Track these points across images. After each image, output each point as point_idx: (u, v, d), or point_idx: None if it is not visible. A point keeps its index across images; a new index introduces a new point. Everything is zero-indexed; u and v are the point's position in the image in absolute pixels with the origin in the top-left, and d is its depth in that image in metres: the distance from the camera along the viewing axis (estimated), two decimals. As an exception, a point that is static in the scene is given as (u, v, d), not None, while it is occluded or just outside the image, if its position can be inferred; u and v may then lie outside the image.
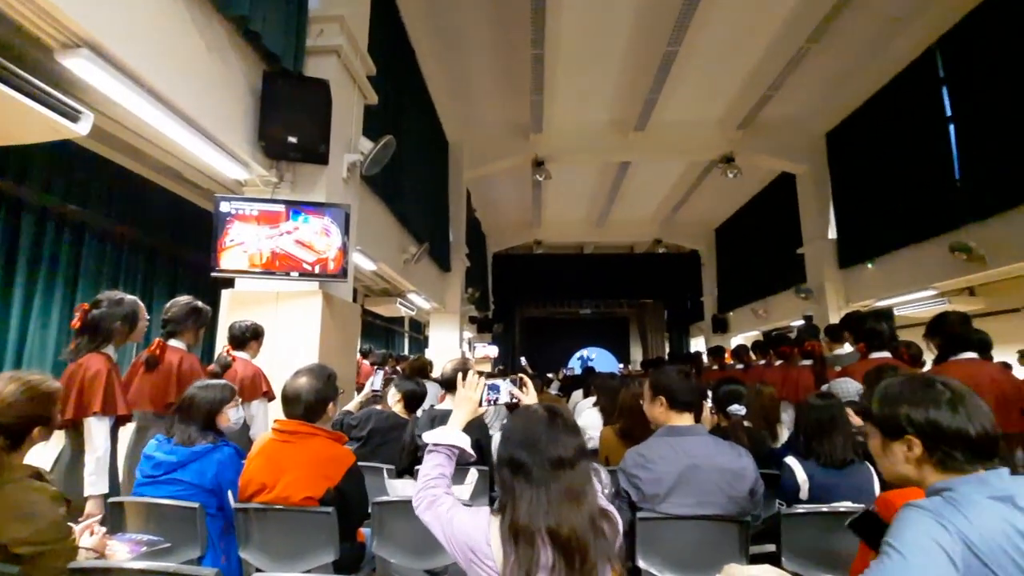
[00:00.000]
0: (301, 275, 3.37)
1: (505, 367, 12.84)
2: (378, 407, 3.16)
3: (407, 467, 2.72)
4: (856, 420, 2.38)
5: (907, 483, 1.07)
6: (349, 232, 3.52)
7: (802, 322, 8.65)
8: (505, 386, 1.72)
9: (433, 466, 1.42)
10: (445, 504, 1.31)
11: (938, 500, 0.95)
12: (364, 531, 2.18)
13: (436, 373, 5.48)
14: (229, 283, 3.62)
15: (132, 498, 1.97)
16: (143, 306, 2.49)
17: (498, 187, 10.99)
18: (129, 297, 2.43)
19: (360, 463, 2.06)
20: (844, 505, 1.97)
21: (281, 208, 3.35)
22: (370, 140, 4.07)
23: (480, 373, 1.71)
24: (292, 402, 1.97)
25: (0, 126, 2.25)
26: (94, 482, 2.10)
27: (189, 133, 2.85)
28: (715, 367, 7.18)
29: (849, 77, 7.16)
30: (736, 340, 11.16)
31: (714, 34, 6.24)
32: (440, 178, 8.40)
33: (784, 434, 3.09)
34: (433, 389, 4.32)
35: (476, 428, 2.55)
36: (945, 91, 6.07)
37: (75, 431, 2.18)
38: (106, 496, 2.11)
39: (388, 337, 10.99)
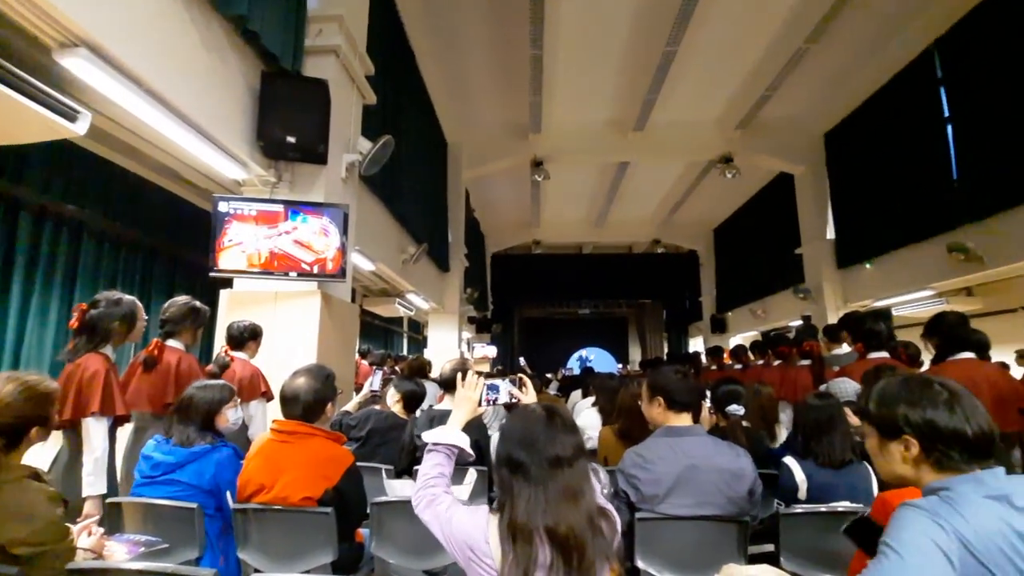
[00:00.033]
0: (299, 275, 3.37)
1: (504, 367, 12.84)
2: (377, 407, 3.16)
3: (406, 467, 2.72)
4: (854, 420, 2.38)
5: (904, 483, 1.07)
6: (348, 232, 3.51)
7: (800, 322, 8.67)
8: (504, 386, 1.73)
9: (432, 465, 1.42)
10: (444, 503, 1.31)
11: (934, 499, 0.96)
12: (363, 531, 2.18)
13: (435, 373, 5.47)
14: (227, 283, 3.61)
15: (130, 498, 1.97)
16: (141, 306, 2.49)
17: (497, 187, 10.99)
18: (127, 297, 2.42)
19: (359, 463, 2.06)
20: (842, 505, 1.97)
21: (279, 208, 3.35)
22: (369, 140, 4.06)
23: (479, 373, 1.71)
24: (290, 402, 1.97)
25: (-2, 126, 2.25)
26: (92, 482, 2.10)
27: (187, 133, 2.84)
28: (714, 367, 7.19)
29: (847, 77, 7.18)
30: (735, 340, 11.17)
31: (713, 34, 6.25)
32: (439, 178, 8.40)
33: (782, 434, 3.10)
34: (432, 389, 4.32)
35: (475, 428, 2.54)
36: (943, 91, 6.08)
37: (73, 431, 2.18)
38: (104, 496, 2.11)
39: (387, 337, 10.99)
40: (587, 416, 3.59)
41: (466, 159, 9.06)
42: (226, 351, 3.05)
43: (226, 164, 3.27)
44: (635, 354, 20.50)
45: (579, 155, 9.22)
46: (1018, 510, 0.90)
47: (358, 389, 3.48)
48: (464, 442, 1.48)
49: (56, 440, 2.22)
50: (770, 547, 2.07)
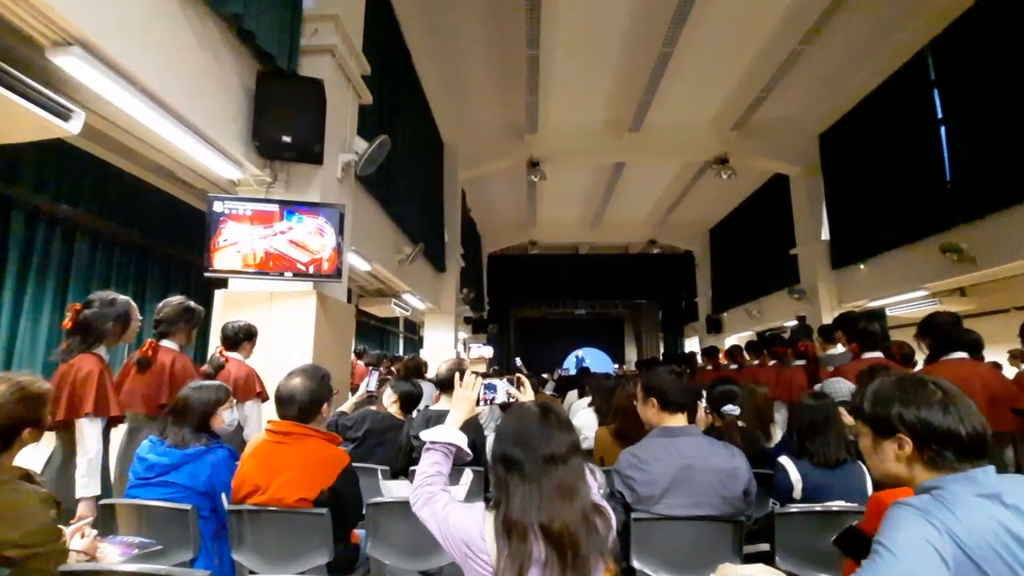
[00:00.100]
0: (295, 275, 3.36)
1: (500, 368, 12.83)
2: (373, 408, 3.15)
3: (403, 468, 2.72)
4: (849, 420, 2.39)
5: (897, 481, 1.08)
6: (343, 232, 3.51)
7: (795, 322, 8.70)
8: (502, 386, 1.73)
9: (430, 464, 1.43)
10: (441, 501, 1.32)
11: (927, 498, 0.96)
12: (358, 532, 2.17)
13: (431, 374, 5.46)
14: (222, 283, 3.60)
15: (124, 500, 1.96)
16: (136, 306, 2.48)
17: (493, 188, 10.99)
18: (122, 297, 2.41)
19: (355, 464, 2.05)
20: (837, 504, 1.98)
21: (275, 208, 3.33)
22: (365, 140, 4.05)
23: (475, 374, 1.71)
24: (286, 403, 1.96)
25: (-10, 125, 2.23)
26: (86, 484, 2.09)
27: (182, 132, 2.83)
28: (709, 367, 7.21)
29: (842, 79, 7.22)
30: (730, 340, 11.22)
31: (708, 35, 6.27)
32: (435, 178, 8.39)
33: (777, 434, 3.11)
34: (428, 389, 4.32)
35: (471, 429, 2.54)
36: (936, 93, 6.12)
37: (66, 432, 2.16)
38: (98, 498, 2.09)
39: (383, 338, 10.97)
40: (583, 416, 3.59)
41: (462, 159, 9.06)
42: (221, 352, 3.04)
43: (221, 164, 3.25)
44: (631, 354, 20.54)
45: (575, 155, 9.23)
46: (1010, 508, 0.91)
47: (354, 390, 3.47)
48: (462, 441, 1.48)
49: (49, 441, 2.20)
50: (765, 546, 2.08)
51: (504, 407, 1.72)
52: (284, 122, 3.36)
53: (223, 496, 1.97)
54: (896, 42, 6.39)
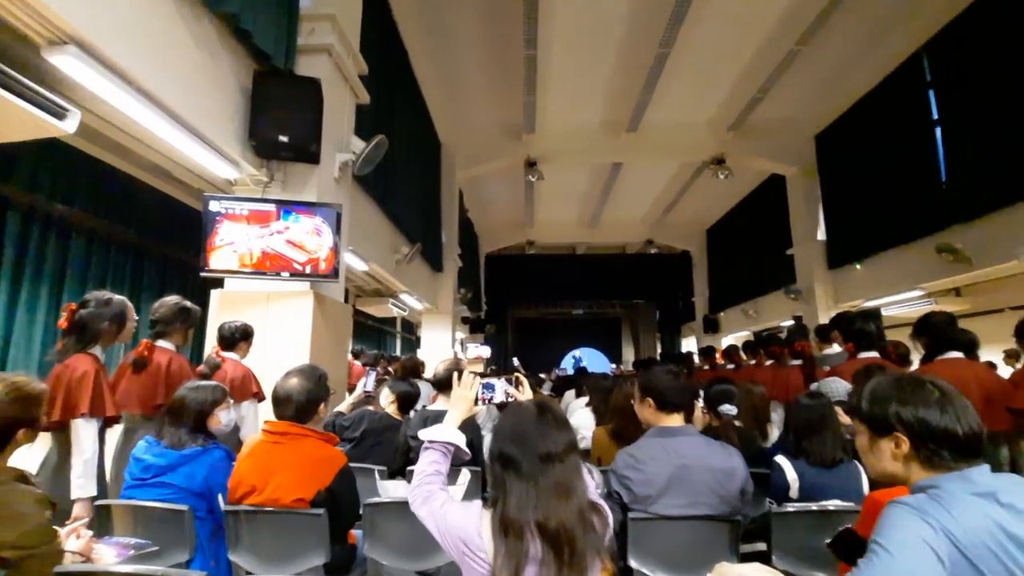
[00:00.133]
0: (292, 275, 3.35)
1: (497, 368, 12.83)
2: (370, 408, 3.15)
3: (400, 468, 2.71)
4: (845, 419, 2.40)
5: (892, 480, 1.08)
6: (340, 232, 3.50)
7: (792, 322, 8.73)
8: (500, 385, 1.73)
9: (428, 463, 1.43)
10: (439, 500, 1.32)
11: (923, 497, 0.97)
12: (355, 533, 2.17)
13: (428, 373, 5.46)
14: (218, 283, 3.59)
15: (120, 501, 1.95)
16: (132, 306, 2.47)
17: (491, 188, 10.98)
18: (118, 297, 2.40)
19: (352, 464, 2.05)
20: (834, 503, 1.99)
21: (272, 207, 3.32)
22: (362, 140, 4.05)
23: (473, 373, 1.71)
24: (283, 403, 1.95)
25: (-15, 123, 2.22)
26: (82, 485, 2.08)
27: (178, 131, 2.82)
28: (706, 367, 7.23)
29: (838, 80, 7.24)
30: (727, 340, 11.23)
31: (705, 36, 6.28)
32: (432, 178, 8.38)
33: (774, 433, 3.12)
34: (425, 389, 4.31)
35: (469, 428, 2.54)
36: (932, 94, 6.15)
37: (62, 433, 2.15)
38: (93, 499, 2.08)
39: (380, 338, 10.95)
40: (580, 416, 3.59)
41: (460, 159, 9.05)
42: (217, 352, 3.03)
43: (217, 163, 3.24)
44: (628, 354, 20.55)
45: (573, 155, 9.23)
46: (1005, 507, 0.91)
47: (351, 390, 3.46)
48: (460, 440, 1.49)
49: (45, 442, 2.19)
50: (762, 546, 2.08)
51: (502, 407, 1.73)
52: (281, 121, 3.35)
53: (219, 497, 1.96)
54: (892, 43, 6.41)
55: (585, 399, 3.97)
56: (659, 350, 16.99)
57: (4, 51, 2.19)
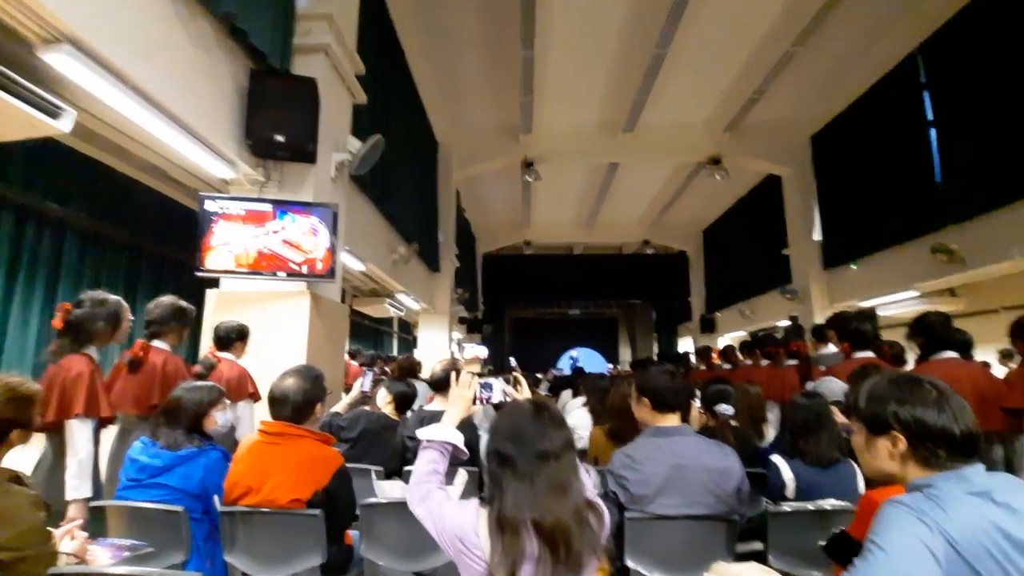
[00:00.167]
0: (288, 275, 3.34)
1: (494, 368, 12.83)
2: (367, 408, 3.14)
3: (397, 469, 2.71)
4: (841, 419, 2.41)
5: (889, 479, 1.09)
6: (337, 232, 3.49)
7: (788, 322, 8.76)
8: (498, 385, 1.73)
9: (426, 462, 1.43)
10: (437, 498, 1.33)
11: (919, 496, 0.97)
12: (352, 533, 2.17)
13: (425, 374, 5.46)
14: (214, 283, 3.58)
15: (115, 502, 1.94)
16: (127, 306, 2.46)
17: (488, 188, 10.98)
18: (113, 297, 2.39)
19: (349, 464, 2.04)
20: (830, 503, 1.99)
21: (268, 207, 3.32)
22: (359, 139, 4.04)
23: (471, 373, 1.71)
24: (279, 403, 1.95)
25: (-22, 123, 2.20)
26: (76, 486, 2.06)
27: (174, 131, 2.80)
28: (703, 367, 7.24)
29: (834, 81, 7.27)
30: (723, 340, 11.26)
31: (702, 37, 6.30)
32: (429, 178, 8.38)
33: (770, 433, 3.13)
34: (422, 389, 4.31)
35: (466, 428, 2.54)
36: (926, 96, 6.18)
37: (57, 434, 2.14)
38: (88, 500, 2.07)
39: (377, 338, 10.93)
40: (577, 416, 3.60)
41: (457, 159, 9.05)
42: (212, 352, 3.02)
43: (213, 163, 3.23)
44: (625, 354, 20.59)
45: (570, 156, 9.24)
46: (1000, 506, 0.92)
47: (347, 390, 3.46)
48: (459, 439, 1.49)
49: (40, 443, 2.18)
50: (759, 545, 2.09)
51: (499, 407, 1.73)
52: (277, 121, 3.34)
53: (216, 498, 1.95)
54: (887, 45, 6.44)
55: (582, 399, 3.97)
56: (656, 350, 17.02)
57: (-2, 50, 2.18)
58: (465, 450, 1.52)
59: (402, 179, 6.48)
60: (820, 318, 7.47)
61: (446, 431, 1.48)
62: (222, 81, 3.18)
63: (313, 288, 3.55)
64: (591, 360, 19.88)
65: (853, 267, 7.65)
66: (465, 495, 2.35)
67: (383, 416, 3.02)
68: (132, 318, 2.53)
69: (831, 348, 4.34)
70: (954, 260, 5.66)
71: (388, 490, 2.25)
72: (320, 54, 3.74)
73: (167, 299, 2.78)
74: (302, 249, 3.35)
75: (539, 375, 10.84)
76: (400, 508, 1.97)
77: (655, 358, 13.12)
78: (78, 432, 2.10)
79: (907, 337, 3.08)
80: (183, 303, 2.81)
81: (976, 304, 6.92)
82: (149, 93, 2.55)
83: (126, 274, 4.57)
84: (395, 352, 11.44)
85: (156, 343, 2.69)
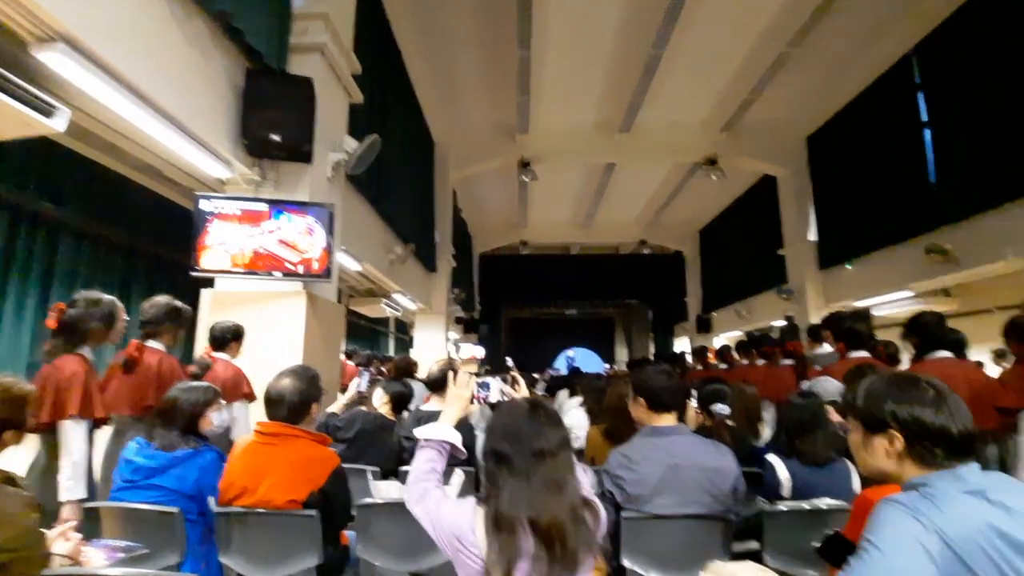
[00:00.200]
0: (284, 275, 3.33)
1: (491, 368, 12.82)
2: (363, 408, 3.14)
3: (393, 469, 2.70)
4: (836, 418, 2.42)
5: (885, 477, 1.09)
6: (333, 232, 3.48)
7: (783, 322, 8.79)
8: (495, 384, 1.74)
9: (424, 461, 1.43)
10: (434, 497, 1.33)
11: (914, 495, 0.97)
12: (348, 534, 2.16)
13: (421, 374, 5.45)
14: (209, 283, 3.56)
15: (109, 503, 1.93)
16: (122, 306, 2.44)
17: (484, 188, 10.98)
18: (107, 297, 2.38)
19: (346, 465, 2.04)
20: (825, 502, 2.00)
21: (264, 207, 3.31)
22: (355, 139, 4.03)
23: (468, 373, 1.71)
24: (275, 404, 1.94)
25: (-29, 121, 2.19)
26: (70, 487, 2.05)
27: (169, 130, 2.79)
28: (699, 367, 7.26)
29: (829, 82, 7.30)
30: (720, 340, 11.30)
31: (698, 37, 6.31)
32: (426, 178, 8.37)
33: (766, 433, 3.14)
34: (418, 389, 4.30)
35: (462, 428, 2.54)
36: (921, 97, 6.21)
37: (50, 435, 2.13)
38: (82, 501, 2.06)
39: (373, 338, 10.91)
40: (574, 416, 3.60)
41: (453, 159, 9.04)
42: (208, 352, 3.01)
43: (209, 162, 3.22)
44: (622, 354, 20.62)
45: (566, 156, 9.25)
46: (995, 505, 0.92)
47: (343, 390, 3.45)
48: (456, 439, 1.49)
49: (33, 444, 2.17)
50: (754, 544, 2.09)
51: (496, 407, 1.73)
52: (273, 120, 3.34)
53: (211, 499, 1.95)
54: (882, 46, 6.47)
55: (579, 399, 3.97)
56: (652, 350, 17.05)
57: (-9, 48, 2.16)
58: (463, 449, 1.52)
59: (399, 179, 6.48)
60: (816, 318, 7.50)
61: (444, 430, 1.49)
62: (218, 80, 3.17)
63: (309, 288, 3.55)
64: (588, 360, 19.91)
65: (848, 267, 7.68)
66: (462, 495, 2.36)
67: (379, 416, 3.02)
68: (127, 318, 2.51)
69: (826, 348, 4.36)
70: (948, 260, 5.69)
71: (384, 490, 2.25)
72: (316, 53, 3.74)
73: (162, 299, 2.77)
74: (298, 249, 3.34)
75: (536, 375, 10.84)
76: (396, 508, 1.96)
77: (651, 358, 13.14)
78: (72, 433, 2.09)
79: (902, 337, 3.10)
80: (178, 303, 2.79)
81: (970, 304, 6.96)
82: (144, 92, 2.54)
83: (121, 274, 4.54)
84: (391, 352, 11.42)
85: (151, 343, 2.68)
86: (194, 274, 3.23)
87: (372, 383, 3.42)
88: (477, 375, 1.80)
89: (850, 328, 3.29)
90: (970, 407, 1.06)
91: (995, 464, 2.67)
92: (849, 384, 2.39)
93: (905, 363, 3.72)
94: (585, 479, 1.40)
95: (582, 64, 6.97)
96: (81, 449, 2.10)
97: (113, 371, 2.58)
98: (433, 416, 1.97)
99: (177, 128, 2.82)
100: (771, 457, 2.23)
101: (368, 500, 2.04)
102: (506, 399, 1.71)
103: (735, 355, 6.39)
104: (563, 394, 5.39)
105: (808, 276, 8.42)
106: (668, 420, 1.95)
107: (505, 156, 8.99)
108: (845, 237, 7.65)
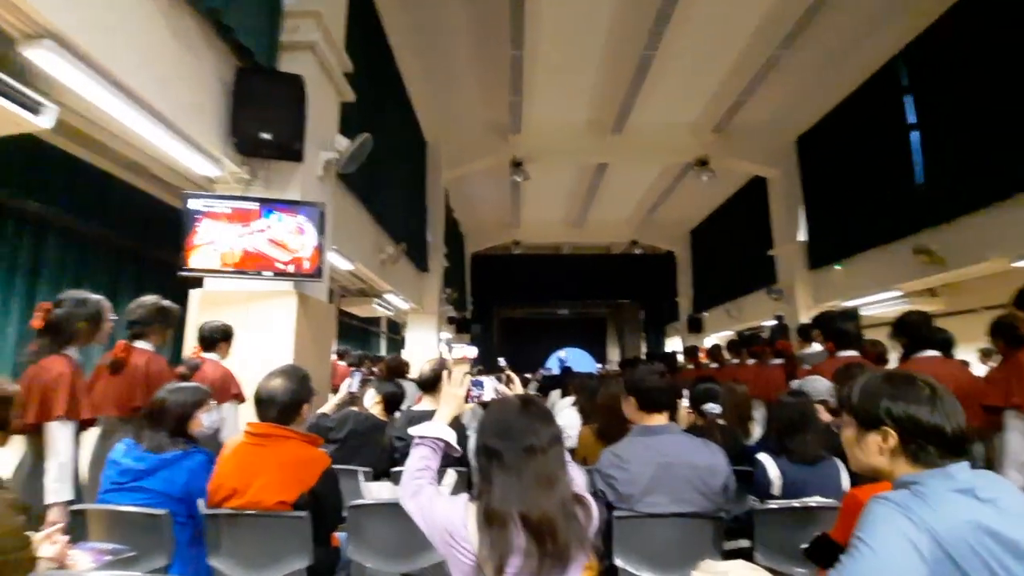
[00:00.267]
0: (275, 275, 3.31)
1: (484, 368, 12.82)
2: (355, 408, 3.12)
3: (385, 469, 2.69)
4: (826, 417, 2.44)
5: (877, 474, 1.10)
6: (324, 231, 3.46)
7: (774, 322, 8.86)
8: (489, 383, 1.74)
9: (418, 458, 1.43)
10: (427, 493, 1.34)
11: (905, 493, 0.98)
12: (339, 535, 2.15)
13: (413, 374, 5.43)
14: (198, 283, 3.53)
15: (96, 506, 1.90)
16: (109, 306, 2.41)
17: (476, 187, 10.97)
18: (94, 296, 2.35)
19: (337, 466, 2.03)
20: (815, 500, 2.02)
21: (254, 206, 3.28)
22: (347, 138, 4.01)
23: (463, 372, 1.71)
24: (266, 404, 1.92)
25: (-45, 118, 2.15)
26: (57, 489, 2.02)
27: (157, 128, 2.76)
28: (690, 366, 7.30)
29: (818, 84, 7.36)
30: (711, 340, 11.36)
31: (689, 39, 6.35)
32: (418, 178, 8.34)
33: (756, 431, 3.16)
34: (410, 390, 4.29)
35: (454, 428, 2.54)
36: (909, 100, 6.29)
37: (36, 436, 2.09)
38: (69, 503, 2.03)
39: (365, 338, 10.86)
40: (566, 415, 3.61)
41: (445, 159, 9.02)
42: (196, 352, 2.98)
43: (198, 160, 3.19)
44: (614, 354, 20.68)
45: (558, 156, 9.27)
46: (984, 503, 0.93)
47: (335, 391, 3.43)
48: (451, 436, 1.49)
49: (20, 445, 2.13)
50: (745, 543, 2.11)
51: (486, 405, 1.73)
52: (264, 119, 3.30)
53: (200, 502, 1.93)
54: (870, 49, 6.54)
55: (571, 399, 3.98)
56: (644, 350, 17.12)
57: (-25, 44, 2.13)
58: (457, 448, 1.52)
59: (390, 178, 6.45)
60: (805, 318, 7.56)
61: (438, 428, 1.49)
62: (207, 78, 3.14)
63: (300, 288, 3.52)
64: (580, 360, 19.93)
65: (837, 268, 7.76)
66: (454, 494, 2.36)
67: (371, 417, 3.01)
68: (114, 318, 2.48)
69: (816, 347, 4.40)
70: (935, 261, 5.77)
71: (375, 492, 2.24)
72: (307, 51, 3.71)
73: (150, 299, 2.74)
74: (288, 248, 3.32)
75: (528, 375, 10.84)
76: (387, 509, 1.96)
77: (643, 357, 13.19)
78: (58, 434, 2.06)
79: (890, 336, 3.13)
80: (166, 303, 2.76)
81: (956, 304, 7.05)
82: (132, 89, 2.51)
83: (108, 273, 4.48)
84: (383, 352, 11.38)
85: (139, 344, 2.65)
86: (183, 274, 3.20)
87: (364, 383, 3.40)
88: (470, 374, 1.80)
89: (839, 328, 3.32)
90: (958, 405, 1.07)
91: (981, 462, 2.71)
92: (838, 383, 2.41)
93: (893, 362, 3.76)
94: (578, 474, 1.41)
95: (574, 64, 6.99)
96: (68, 451, 2.08)
97: (100, 372, 2.55)
98: (425, 416, 1.97)
99: (166, 126, 2.79)
100: (762, 456, 2.24)
101: (359, 501, 2.03)
102: (499, 397, 1.71)
103: (726, 355, 6.43)
104: (555, 394, 5.40)
105: (798, 276, 8.50)
106: (659, 419, 1.96)
107: (497, 156, 8.99)
108: (834, 238, 7.73)
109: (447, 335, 10.83)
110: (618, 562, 1.86)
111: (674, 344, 15.19)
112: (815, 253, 8.31)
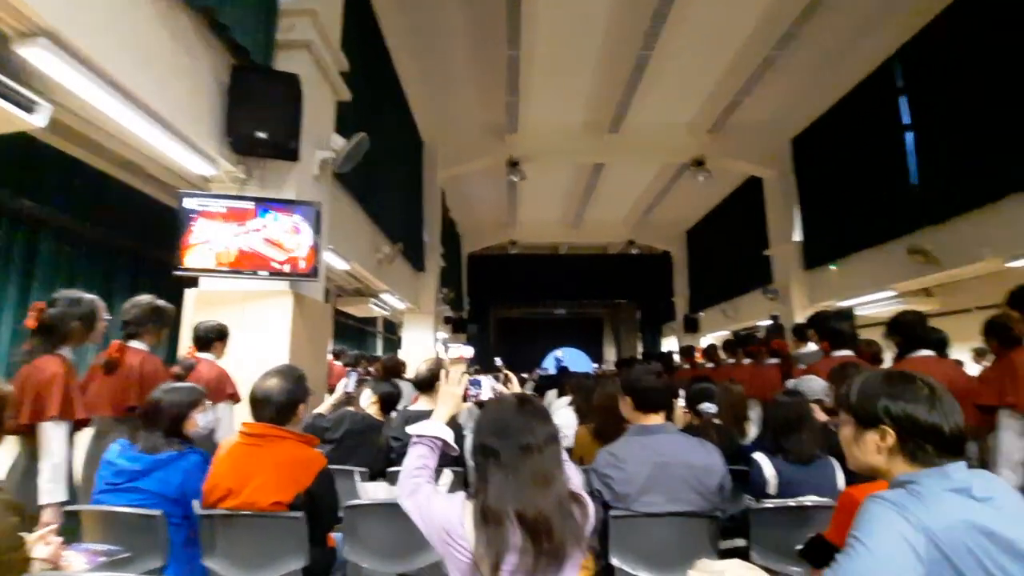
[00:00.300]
0: (270, 274, 3.30)
1: (480, 368, 12.82)
2: (351, 408, 3.12)
3: (381, 469, 2.69)
4: (822, 417, 2.45)
5: (874, 473, 1.10)
6: (320, 230, 3.45)
7: (769, 322, 8.88)
8: (487, 382, 1.74)
9: (416, 457, 1.43)
10: (425, 492, 1.34)
11: (901, 492, 0.99)
12: (335, 536, 2.14)
13: (409, 373, 5.42)
14: (193, 282, 3.51)
15: (90, 507, 1.89)
16: (103, 305, 2.40)
17: (473, 187, 10.96)
18: (88, 296, 2.33)
19: (334, 466, 2.02)
20: (811, 499, 2.02)
21: (249, 205, 3.27)
22: (343, 137, 4.00)
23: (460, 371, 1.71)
24: (261, 404, 1.91)
25: (-53, 116, 2.14)
26: (51, 490, 2.01)
27: (152, 127, 2.75)
28: (686, 366, 7.32)
29: (814, 84, 7.39)
30: (706, 339, 11.39)
31: (686, 39, 6.36)
32: (414, 177, 8.33)
33: (752, 431, 3.17)
34: (407, 390, 4.28)
35: (451, 428, 2.53)
36: (903, 100, 6.32)
37: (30, 437, 2.08)
38: (63, 504, 2.02)
39: (361, 338, 10.84)
40: (563, 415, 3.60)
41: (442, 159, 9.02)
42: (191, 352, 2.97)
43: (193, 159, 3.18)
44: (610, 354, 20.71)
45: (555, 156, 9.28)
46: (979, 502, 0.93)
47: (331, 391, 3.42)
48: (448, 435, 1.49)
49: (14, 446, 2.12)
50: (741, 542, 2.11)
51: (482, 405, 1.73)
52: (259, 118, 3.29)
53: (196, 503, 1.92)
54: (865, 50, 6.57)
55: (567, 398, 3.98)
56: (640, 349, 17.15)
57: (-32, 41, 2.11)
58: (455, 446, 1.52)
59: (387, 178, 6.44)
60: (800, 318, 7.59)
61: (436, 427, 1.49)
62: (202, 76, 3.13)
63: (296, 287, 3.51)
64: (576, 360, 19.95)
65: (832, 268, 7.79)
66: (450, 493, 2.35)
67: (367, 417, 3.00)
68: (108, 318, 2.47)
69: (811, 347, 4.42)
70: (929, 261, 5.80)
71: (371, 492, 2.24)
72: (303, 50, 3.70)
73: (144, 299, 2.72)
74: (284, 248, 3.31)
75: (524, 375, 10.84)
76: (383, 510, 1.96)
77: (640, 357, 13.21)
78: (52, 435, 2.04)
79: (885, 336, 3.14)
80: (161, 303, 2.75)
81: (951, 304, 7.09)
82: (127, 88, 2.50)
83: (103, 273, 4.46)
84: (379, 352, 11.36)
85: (133, 344, 2.63)
86: (178, 273, 3.18)
87: (360, 383, 3.39)
88: (468, 374, 1.80)
89: (834, 327, 3.33)
90: (952, 405, 1.07)
91: (975, 461, 2.73)
92: (834, 382, 2.42)
93: (888, 362, 3.78)
94: (575, 473, 1.41)
95: (571, 64, 6.99)
96: (61, 451, 2.06)
97: (94, 372, 2.54)
98: (421, 416, 1.96)
99: (161, 125, 2.78)
100: (757, 455, 2.25)
101: (355, 501, 2.03)
102: (497, 396, 1.71)
103: (722, 354, 6.44)
104: (552, 394, 5.40)
105: (793, 276, 8.53)
106: (655, 419, 1.96)
107: (494, 155, 8.99)
108: (829, 238, 7.76)
109: (443, 335, 10.83)
110: (614, 561, 1.86)
111: (670, 344, 15.22)
112: (810, 253, 8.34)
